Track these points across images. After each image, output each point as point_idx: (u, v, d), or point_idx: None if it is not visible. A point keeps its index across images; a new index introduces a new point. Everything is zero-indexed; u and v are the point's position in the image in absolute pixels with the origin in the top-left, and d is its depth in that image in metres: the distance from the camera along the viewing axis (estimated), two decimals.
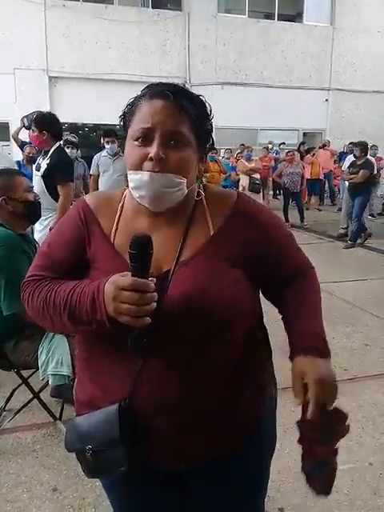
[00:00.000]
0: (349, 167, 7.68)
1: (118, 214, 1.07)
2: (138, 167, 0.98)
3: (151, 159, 0.95)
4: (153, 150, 0.95)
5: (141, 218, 1.05)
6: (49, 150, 3.73)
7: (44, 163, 3.71)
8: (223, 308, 0.98)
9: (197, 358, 0.99)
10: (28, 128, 4.83)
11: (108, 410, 1.00)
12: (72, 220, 1.08)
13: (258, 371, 1.12)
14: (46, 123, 3.73)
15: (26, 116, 6.71)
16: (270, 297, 1.17)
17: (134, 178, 0.99)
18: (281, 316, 1.15)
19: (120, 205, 1.09)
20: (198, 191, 1.09)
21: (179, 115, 0.96)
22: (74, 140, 7.03)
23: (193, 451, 1.03)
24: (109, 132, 6.07)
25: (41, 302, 1.01)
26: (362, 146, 7.56)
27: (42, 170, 3.69)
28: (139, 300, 0.87)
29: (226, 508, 1.15)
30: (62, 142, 5.97)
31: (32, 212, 2.43)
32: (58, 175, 3.69)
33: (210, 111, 1.05)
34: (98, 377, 1.05)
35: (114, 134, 6.04)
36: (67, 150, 6.21)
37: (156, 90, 0.99)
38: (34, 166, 3.95)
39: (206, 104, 1.04)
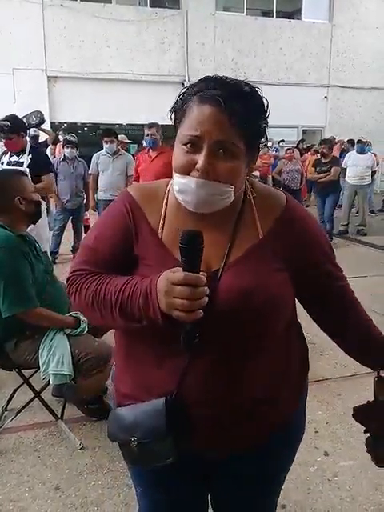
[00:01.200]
0: (315, 167, 7.40)
1: (164, 207, 1.06)
2: (185, 172, 0.96)
3: (198, 169, 0.94)
4: (200, 161, 0.94)
5: (187, 214, 1.02)
6: (24, 148, 4.06)
7: (25, 158, 3.99)
8: (270, 308, 1.00)
9: (243, 354, 1.01)
10: (30, 127, 5.02)
11: (155, 403, 1.01)
12: (118, 214, 1.07)
13: (298, 367, 1.15)
14: (22, 126, 4.12)
15: (26, 116, 6.72)
16: (308, 303, 1.17)
17: (179, 181, 0.98)
18: (324, 324, 1.19)
19: (165, 199, 1.07)
20: (246, 191, 1.07)
21: (229, 123, 0.93)
22: (74, 139, 7.02)
23: (232, 443, 1.06)
24: (108, 132, 6.11)
25: (90, 296, 1.01)
26: (329, 144, 7.47)
27: (25, 164, 3.96)
28: (192, 294, 0.87)
29: (249, 500, 1.19)
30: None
31: (37, 213, 2.51)
32: (43, 167, 4.12)
33: (267, 106, 1.01)
34: (141, 371, 1.06)
35: (114, 133, 6.07)
36: (67, 150, 6.22)
37: (207, 94, 0.94)
38: (1, 165, 4.13)
39: (263, 99, 1.01)
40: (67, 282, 1.07)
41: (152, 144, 5.08)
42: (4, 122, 3.89)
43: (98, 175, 6.03)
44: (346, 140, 11.53)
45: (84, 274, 1.04)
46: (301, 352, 1.19)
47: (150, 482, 1.18)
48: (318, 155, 9.12)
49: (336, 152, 11.54)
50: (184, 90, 1.00)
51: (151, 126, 5.09)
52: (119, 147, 6.17)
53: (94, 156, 6.13)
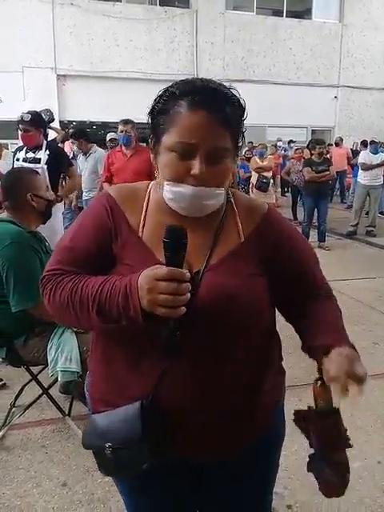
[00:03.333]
0: (309, 166, 7.18)
1: (145, 208, 1.05)
2: (179, 180, 0.95)
3: (194, 176, 0.93)
4: (196, 168, 0.93)
5: (168, 215, 1.02)
6: (40, 145, 3.98)
7: (43, 155, 3.93)
8: (249, 311, 1.00)
9: (222, 356, 1.00)
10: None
11: (129, 408, 0.98)
12: (97, 213, 1.05)
13: (276, 369, 1.15)
14: (41, 121, 4.03)
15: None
16: (287, 308, 1.15)
17: (173, 189, 0.96)
18: (297, 324, 1.14)
19: (145, 200, 1.06)
20: (228, 195, 1.08)
21: (222, 129, 0.93)
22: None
23: (214, 446, 1.04)
24: (73, 134, 6.03)
25: (65, 297, 0.97)
26: (322, 144, 7.35)
27: (43, 161, 3.92)
28: (176, 289, 0.86)
29: (238, 502, 1.17)
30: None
31: (49, 210, 2.51)
32: (63, 162, 4.14)
33: (245, 107, 1.01)
34: (116, 375, 1.05)
35: (80, 134, 5.96)
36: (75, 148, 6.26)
37: (199, 100, 0.92)
38: (17, 161, 4.07)
39: (242, 100, 1.00)
40: (41, 282, 1.04)
41: (127, 142, 4.75)
42: (25, 114, 3.88)
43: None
44: (359, 141, 11.41)
45: (59, 274, 1.01)
46: (279, 355, 1.17)
47: (134, 489, 1.16)
48: (303, 155, 9.05)
49: (344, 156, 11.48)
50: (162, 92, 0.98)
51: (126, 122, 4.74)
52: (91, 145, 5.94)
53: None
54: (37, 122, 3.91)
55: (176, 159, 0.95)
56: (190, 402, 0.99)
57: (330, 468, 0.98)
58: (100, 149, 6.09)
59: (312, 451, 1.03)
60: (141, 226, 1.03)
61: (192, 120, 0.92)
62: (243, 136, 1.04)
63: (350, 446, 0.98)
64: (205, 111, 0.91)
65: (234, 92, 0.99)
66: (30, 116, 3.87)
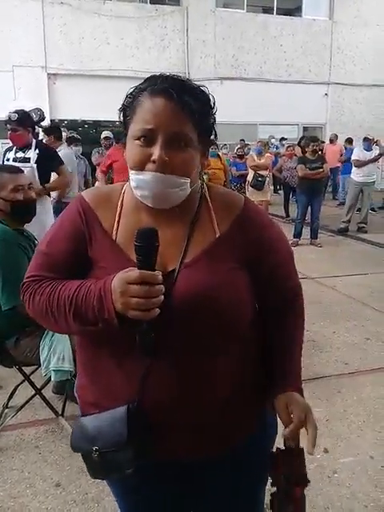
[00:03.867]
0: (302, 163, 7.17)
1: (118, 210, 1.05)
2: (141, 168, 0.96)
3: (154, 162, 0.93)
4: (156, 153, 0.93)
5: (142, 214, 1.03)
6: (29, 144, 3.97)
7: (32, 154, 3.92)
8: (227, 307, 0.98)
9: (203, 356, 1.00)
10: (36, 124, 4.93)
11: (116, 412, 0.99)
12: (71, 217, 1.06)
13: (258, 368, 1.13)
14: (29, 120, 3.97)
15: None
16: (260, 311, 1.16)
17: (136, 178, 0.97)
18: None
19: (120, 201, 1.06)
20: (202, 191, 1.07)
21: (182, 115, 0.94)
22: (79, 137, 7.11)
23: (202, 445, 1.04)
24: (50, 129, 5.76)
25: (43, 303, 0.99)
26: (317, 142, 7.34)
27: (33, 160, 3.92)
28: (148, 292, 0.86)
29: (230, 500, 1.16)
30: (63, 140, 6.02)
31: (20, 211, 2.39)
32: (53, 160, 4.13)
33: (214, 104, 1.02)
34: (102, 377, 1.04)
35: (57, 131, 5.73)
36: (74, 148, 6.25)
37: (158, 88, 0.95)
38: (7, 161, 4.04)
39: (210, 96, 1.01)
40: (21, 288, 1.06)
41: None
42: (12, 114, 3.87)
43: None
44: (348, 138, 11.47)
45: (38, 280, 1.03)
46: (259, 355, 1.16)
47: (126, 491, 1.17)
48: (295, 152, 9.05)
49: (337, 153, 11.51)
50: (131, 89, 1.01)
51: None
52: (59, 143, 5.62)
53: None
54: (24, 121, 3.89)
55: (139, 147, 0.96)
56: (175, 402, 0.99)
57: (294, 504, 1.02)
58: (68, 150, 5.91)
59: (274, 489, 1.06)
60: (114, 227, 1.03)
61: (151, 106, 0.94)
62: (214, 131, 1.04)
63: (308, 481, 1.04)
64: (164, 96, 0.93)
65: (202, 89, 1.00)
66: (16, 115, 3.86)
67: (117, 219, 1.04)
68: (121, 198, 1.07)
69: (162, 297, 0.89)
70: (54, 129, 5.81)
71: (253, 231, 1.05)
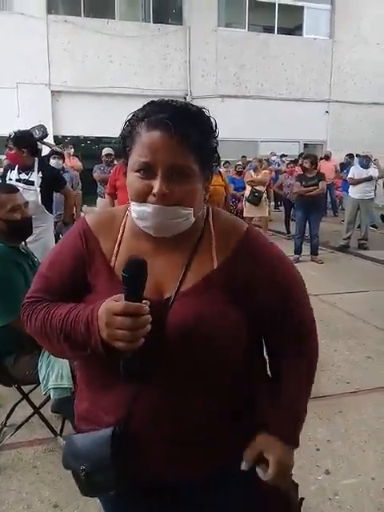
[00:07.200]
0: (299, 181, 7.25)
1: (120, 234, 1.04)
2: (142, 200, 0.95)
3: (155, 195, 0.92)
4: (156, 186, 0.92)
5: (142, 241, 1.02)
6: (31, 166, 3.96)
7: (36, 177, 3.92)
8: (220, 341, 0.96)
9: (194, 383, 0.98)
10: (38, 140, 4.95)
11: (102, 434, 0.99)
12: (72, 241, 1.06)
13: (257, 393, 1.09)
14: (24, 142, 3.94)
15: (30, 130, 6.78)
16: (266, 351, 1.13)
17: (137, 209, 0.96)
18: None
19: (121, 225, 1.05)
20: (207, 218, 1.05)
21: (182, 147, 0.92)
22: (60, 150, 7.07)
23: (186, 468, 1.02)
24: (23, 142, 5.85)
25: (39, 324, 1.00)
26: (312, 159, 7.37)
27: (37, 184, 3.91)
28: (133, 325, 0.85)
29: None
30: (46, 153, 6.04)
31: (17, 231, 2.39)
32: (59, 183, 4.21)
33: (215, 126, 1.00)
34: (94, 394, 1.05)
35: (31, 145, 5.76)
36: (53, 161, 6.21)
37: (155, 119, 0.92)
38: (10, 180, 4.02)
39: (211, 119, 0.99)
40: (21, 308, 1.07)
41: None
42: (13, 132, 3.93)
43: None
44: (345, 155, 11.57)
45: (35, 302, 1.04)
46: (262, 387, 1.11)
47: (117, 510, 1.16)
48: (296, 169, 9.10)
49: (332, 170, 11.61)
50: (130, 117, 0.99)
51: None
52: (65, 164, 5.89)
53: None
54: (18, 141, 3.90)
55: (139, 179, 0.95)
56: (161, 427, 0.98)
57: None
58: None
59: None
60: (114, 253, 1.02)
61: (148, 139, 0.92)
62: (217, 155, 1.02)
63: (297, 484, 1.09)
64: (161, 130, 0.91)
65: (204, 111, 0.98)
66: (13, 134, 3.92)
67: (117, 245, 1.03)
68: (123, 223, 1.06)
69: (149, 327, 0.87)
70: (28, 142, 5.69)
71: (252, 264, 1.01)
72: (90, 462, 1.00)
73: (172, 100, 0.99)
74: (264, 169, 8.92)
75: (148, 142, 0.92)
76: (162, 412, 0.98)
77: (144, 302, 0.87)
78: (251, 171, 8.56)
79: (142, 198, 0.95)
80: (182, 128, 0.91)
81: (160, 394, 0.97)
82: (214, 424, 1.02)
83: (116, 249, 1.03)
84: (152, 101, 0.99)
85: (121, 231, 1.05)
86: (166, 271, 0.98)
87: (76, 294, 1.02)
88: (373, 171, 8.14)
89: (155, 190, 0.92)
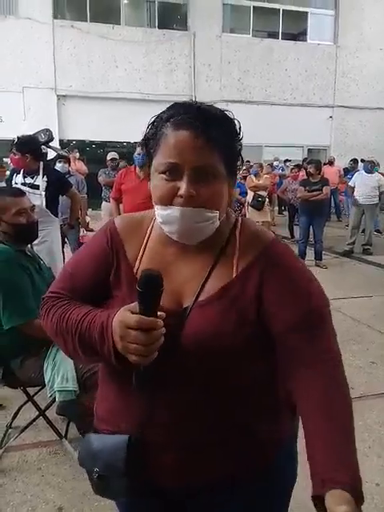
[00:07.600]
0: (303, 186, 7.23)
1: (146, 239, 1.03)
2: (167, 203, 0.92)
3: (181, 196, 0.90)
4: (182, 188, 0.90)
5: (168, 245, 1.00)
6: (37, 170, 3.99)
7: (41, 181, 3.96)
8: (234, 355, 0.94)
9: (210, 393, 0.96)
10: (44, 144, 5.00)
11: (119, 440, 0.98)
12: (99, 243, 1.05)
13: (276, 406, 1.05)
14: (27, 147, 3.96)
15: (35, 134, 6.82)
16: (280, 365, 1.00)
17: (162, 213, 0.94)
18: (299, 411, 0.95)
19: (148, 229, 1.04)
20: (235, 226, 1.02)
21: (208, 147, 0.89)
22: (66, 154, 7.10)
23: (197, 478, 1.01)
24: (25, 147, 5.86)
25: (55, 320, 0.99)
26: (316, 164, 7.37)
27: (42, 188, 3.95)
28: (146, 340, 0.84)
29: None
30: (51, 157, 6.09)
31: (23, 234, 2.41)
32: (65, 186, 4.27)
33: (240, 128, 0.97)
34: (110, 397, 1.05)
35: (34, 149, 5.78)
36: (59, 164, 6.25)
37: (182, 120, 0.90)
38: (16, 184, 4.03)
39: (235, 121, 0.97)
40: (41, 302, 1.06)
41: (142, 164, 4.68)
42: (18, 137, 3.97)
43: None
44: (349, 161, 11.57)
45: (56, 298, 1.03)
46: (283, 401, 1.04)
47: (126, 506, 1.15)
48: (300, 174, 9.11)
49: (335, 175, 11.60)
50: (153, 119, 0.97)
51: None
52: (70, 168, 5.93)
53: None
54: (21, 146, 3.93)
55: (164, 181, 0.92)
56: (176, 435, 0.97)
57: None
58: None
59: None
60: (138, 259, 1.01)
61: (175, 140, 0.90)
62: (241, 158, 1.00)
63: None
64: (188, 129, 0.89)
65: (227, 114, 0.96)
66: (17, 139, 3.95)
67: (142, 250, 1.02)
68: (150, 227, 1.04)
69: (162, 339, 0.86)
70: (31, 146, 5.69)
71: (272, 272, 0.95)
72: (104, 466, 0.99)
73: (196, 102, 0.96)
74: (265, 173, 8.96)
75: (174, 142, 0.90)
76: (176, 420, 0.97)
77: (159, 314, 0.86)
78: (252, 176, 8.58)
79: (167, 200, 0.93)
80: (207, 128, 0.89)
81: (174, 404, 0.96)
82: (228, 435, 1.00)
83: (140, 253, 1.02)
84: (175, 103, 0.97)
85: (147, 235, 1.04)
86: (187, 280, 0.96)
87: (99, 296, 1.01)
88: (378, 179, 8.17)
89: (182, 192, 0.90)
